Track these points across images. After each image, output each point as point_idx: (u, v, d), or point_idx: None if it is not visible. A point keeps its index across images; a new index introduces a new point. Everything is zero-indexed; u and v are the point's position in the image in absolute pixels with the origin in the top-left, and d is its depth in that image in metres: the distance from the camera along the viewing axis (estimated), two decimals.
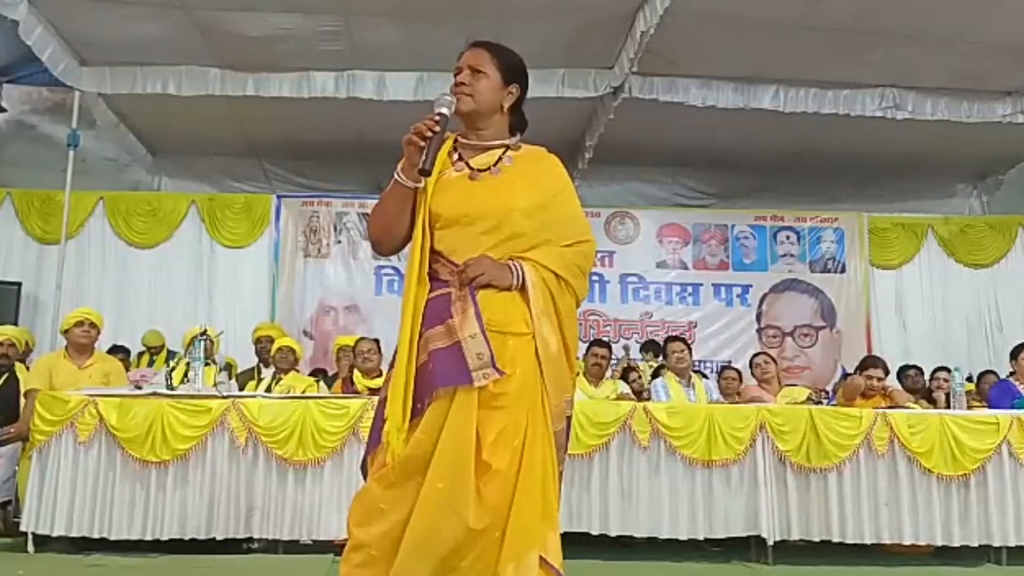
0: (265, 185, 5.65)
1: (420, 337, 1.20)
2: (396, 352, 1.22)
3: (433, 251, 1.25)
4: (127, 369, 3.88)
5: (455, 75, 1.31)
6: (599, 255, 5.54)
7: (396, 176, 1.25)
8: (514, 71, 1.34)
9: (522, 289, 1.23)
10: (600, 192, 5.76)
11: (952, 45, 4.13)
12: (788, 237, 5.61)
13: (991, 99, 4.58)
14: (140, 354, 4.67)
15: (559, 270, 1.27)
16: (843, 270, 5.58)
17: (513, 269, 1.23)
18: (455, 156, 1.29)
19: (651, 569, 2.82)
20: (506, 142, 1.31)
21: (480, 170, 1.28)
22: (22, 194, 5.31)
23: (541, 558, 1.16)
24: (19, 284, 5.06)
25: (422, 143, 1.22)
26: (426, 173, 1.22)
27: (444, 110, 1.24)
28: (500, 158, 1.29)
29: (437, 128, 1.22)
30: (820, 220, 5.63)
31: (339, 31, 4.04)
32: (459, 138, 1.31)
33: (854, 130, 4.82)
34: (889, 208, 5.80)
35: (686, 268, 5.52)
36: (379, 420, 1.22)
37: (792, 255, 5.58)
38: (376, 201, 1.34)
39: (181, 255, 5.31)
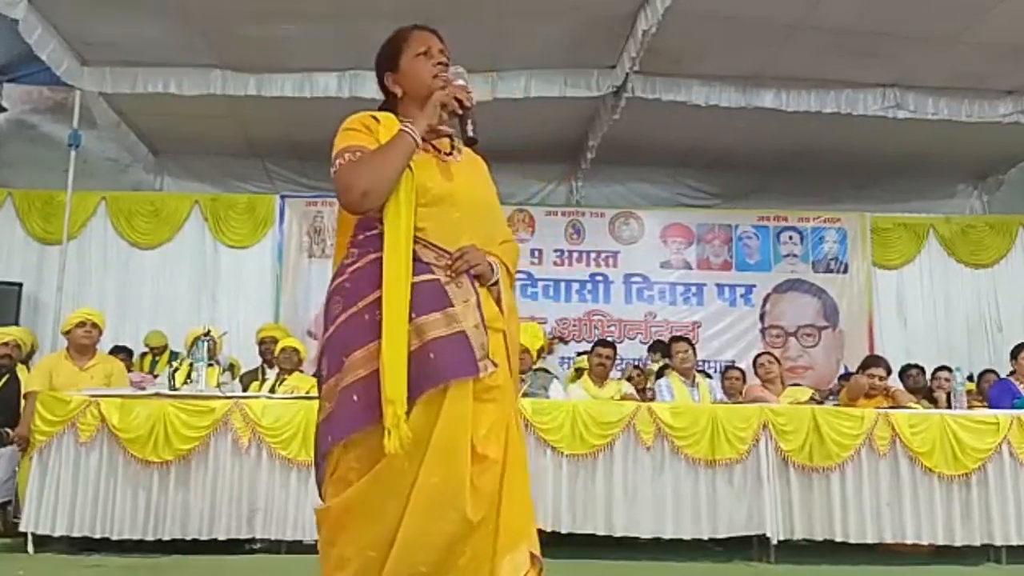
0: (268, 185, 5.64)
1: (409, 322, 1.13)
2: (378, 338, 1.10)
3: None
4: (129, 370, 3.87)
5: (424, 52, 1.26)
6: (603, 255, 5.57)
7: (407, 130, 1.17)
8: None
9: (494, 284, 1.23)
10: (604, 192, 5.76)
11: (953, 45, 4.13)
12: (791, 237, 5.61)
13: (992, 99, 4.58)
14: (143, 355, 4.66)
15: (511, 267, 1.28)
16: (845, 270, 5.58)
17: (492, 264, 1.22)
18: None
19: (655, 569, 2.82)
20: (450, 131, 1.27)
21: (445, 153, 1.25)
22: (23, 194, 5.30)
23: (532, 555, 1.16)
24: (20, 285, 5.04)
25: (460, 110, 1.19)
26: (474, 141, 1.21)
27: (463, 82, 1.23)
28: (453, 146, 1.27)
29: (473, 99, 1.21)
30: (823, 220, 5.63)
31: (341, 31, 4.04)
32: (403, 118, 1.23)
33: (855, 130, 4.82)
34: (890, 208, 5.80)
35: (690, 268, 5.52)
36: (348, 409, 1.11)
37: (795, 255, 5.58)
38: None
39: (184, 255, 5.30)
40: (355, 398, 1.11)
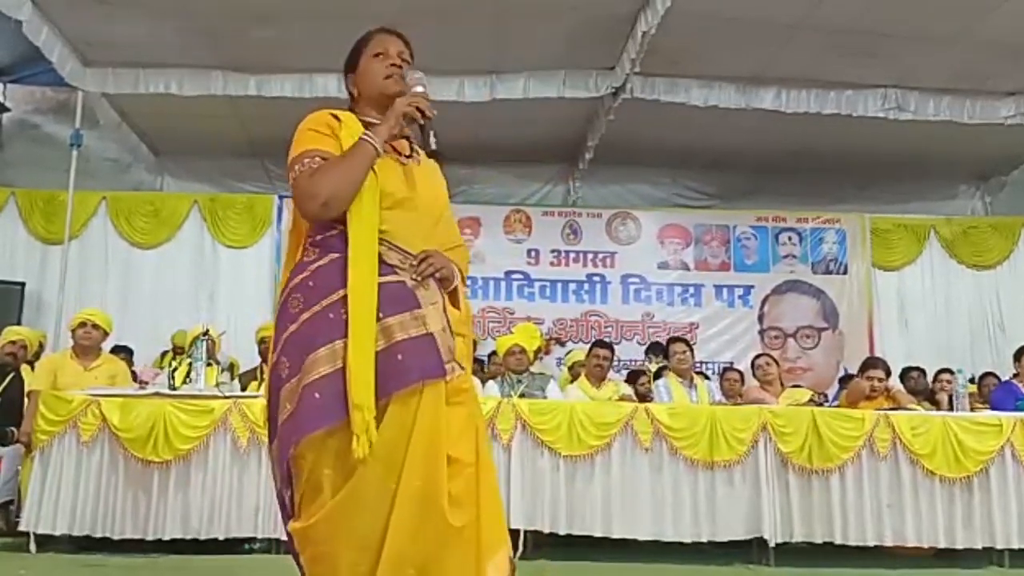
0: (267, 185, 5.66)
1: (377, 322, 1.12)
2: (343, 337, 1.09)
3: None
4: (129, 367, 3.88)
5: (378, 53, 1.25)
6: (600, 255, 5.57)
7: (368, 140, 1.16)
8: None
9: (453, 289, 1.23)
10: (601, 193, 5.76)
11: (954, 45, 4.12)
12: (790, 238, 5.60)
13: (994, 100, 4.57)
14: (163, 353, 4.64)
15: (464, 272, 1.28)
16: (845, 271, 5.56)
17: (453, 269, 1.23)
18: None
19: (652, 572, 2.81)
20: (408, 134, 1.27)
21: (405, 156, 1.25)
22: (25, 194, 5.32)
23: (509, 559, 1.16)
24: (23, 284, 5.06)
25: (422, 120, 1.20)
26: (437, 154, 1.22)
27: (422, 88, 1.22)
28: (412, 149, 1.27)
29: (433, 111, 1.20)
30: (822, 221, 5.62)
31: (341, 32, 4.04)
32: (361, 118, 1.23)
33: (856, 130, 4.80)
34: (891, 209, 5.78)
35: (687, 269, 5.52)
36: (310, 406, 1.08)
37: (794, 256, 5.57)
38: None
39: (183, 255, 5.31)
40: (317, 395, 1.09)
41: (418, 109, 1.19)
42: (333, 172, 1.16)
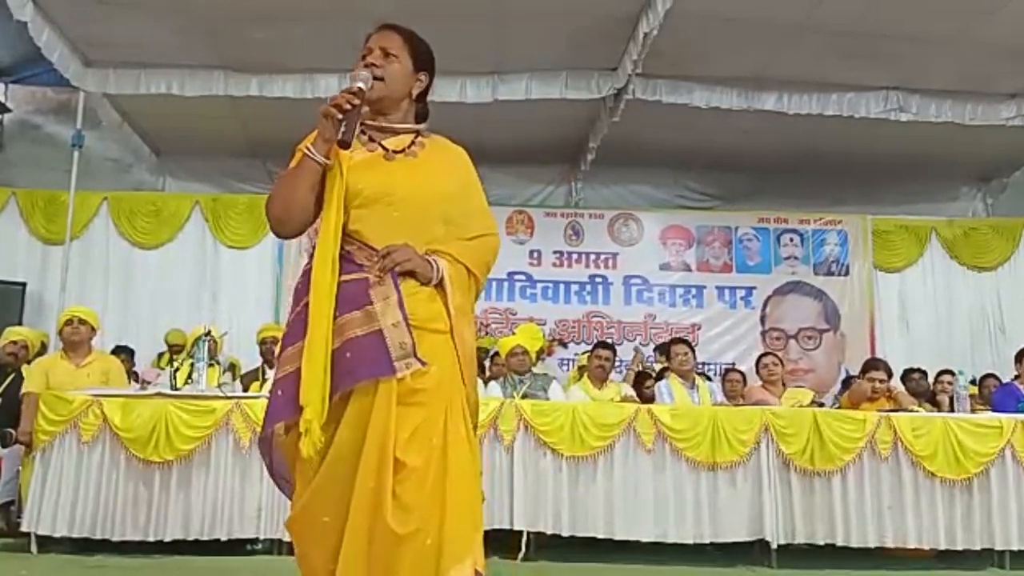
0: (268, 186, 5.64)
1: (333, 321, 1.13)
2: (305, 336, 1.12)
3: (346, 233, 1.17)
4: (132, 369, 3.88)
5: (364, 56, 1.24)
6: (603, 256, 5.58)
7: (306, 151, 1.17)
8: (424, 58, 1.29)
9: (439, 284, 1.19)
10: (603, 194, 5.76)
11: (956, 47, 4.12)
12: (792, 239, 5.61)
13: (995, 101, 4.57)
14: (160, 354, 4.65)
15: (471, 266, 1.23)
16: (847, 272, 5.57)
17: (433, 264, 1.19)
18: (364, 136, 1.23)
19: (655, 573, 2.81)
20: (416, 127, 1.26)
21: (396, 151, 1.22)
22: (26, 194, 5.32)
23: (476, 572, 1.11)
24: (24, 284, 5.06)
25: (340, 116, 1.16)
26: (346, 144, 1.16)
27: (361, 84, 1.19)
28: (412, 142, 1.24)
29: (356, 101, 1.16)
30: (824, 222, 5.63)
31: (341, 32, 4.04)
32: (365, 120, 1.24)
33: (858, 132, 4.80)
34: (893, 210, 5.79)
35: (690, 270, 5.53)
36: (274, 402, 1.16)
37: (796, 257, 5.57)
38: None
39: (185, 256, 5.32)
40: (280, 392, 1.15)
41: (337, 105, 1.16)
42: (278, 191, 1.22)
